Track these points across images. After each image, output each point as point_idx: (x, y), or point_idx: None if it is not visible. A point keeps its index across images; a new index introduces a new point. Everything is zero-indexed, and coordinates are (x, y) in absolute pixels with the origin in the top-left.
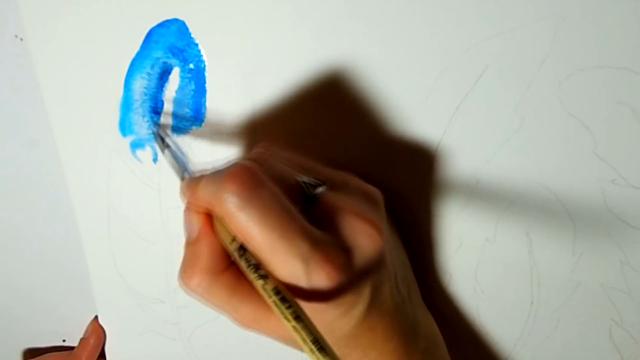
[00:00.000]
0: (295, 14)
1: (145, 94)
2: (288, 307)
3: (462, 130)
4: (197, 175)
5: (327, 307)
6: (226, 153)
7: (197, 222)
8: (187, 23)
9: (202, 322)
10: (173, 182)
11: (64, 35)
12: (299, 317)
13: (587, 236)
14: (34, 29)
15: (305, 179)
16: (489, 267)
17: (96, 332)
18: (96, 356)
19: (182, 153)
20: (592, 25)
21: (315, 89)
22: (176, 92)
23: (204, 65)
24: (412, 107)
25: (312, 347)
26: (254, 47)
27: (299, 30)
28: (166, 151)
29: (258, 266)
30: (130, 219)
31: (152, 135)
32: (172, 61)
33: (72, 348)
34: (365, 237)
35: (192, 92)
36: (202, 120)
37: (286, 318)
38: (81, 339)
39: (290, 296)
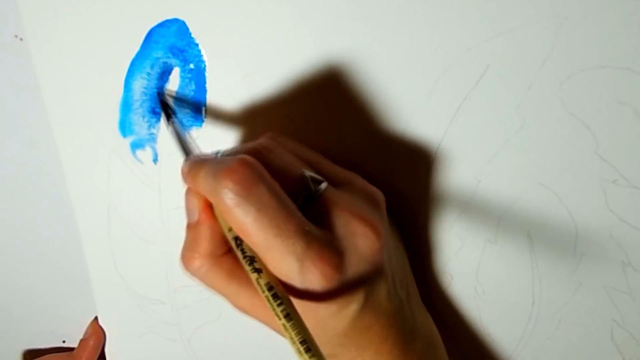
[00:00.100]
0: (296, 13)
1: (146, 94)
2: (279, 304)
3: (463, 131)
4: (199, 158)
5: (320, 305)
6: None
7: (198, 205)
8: (187, 23)
9: (202, 323)
10: (173, 183)
11: (64, 35)
12: (289, 316)
13: (588, 237)
14: (34, 29)
15: (308, 173)
16: (490, 267)
17: (96, 333)
18: (96, 357)
19: (185, 132)
20: (593, 25)
21: (316, 89)
22: (176, 92)
23: (205, 66)
24: (413, 107)
25: (300, 347)
26: (255, 47)
27: (299, 30)
28: (171, 121)
29: (253, 259)
30: (131, 220)
31: (152, 135)
32: (173, 61)
33: (72, 349)
34: (362, 238)
35: (192, 93)
36: (203, 121)
37: (277, 315)
38: (81, 340)
39: (283, 293)
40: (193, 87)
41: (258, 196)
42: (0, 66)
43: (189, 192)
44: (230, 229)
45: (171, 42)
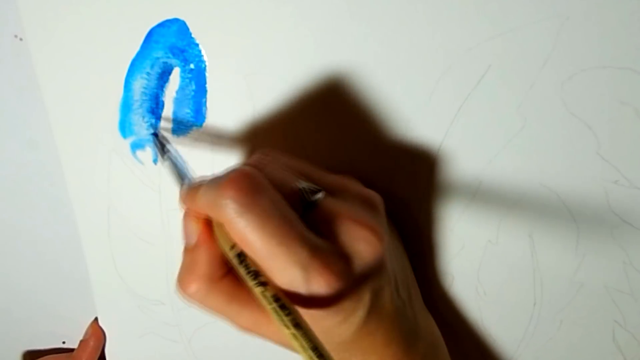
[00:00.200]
0: (296, 14)
1: (146, 94)
2: (287, 315)
3: (465, 131)
4: (197, 181)
5: (327, 313)
6: (227, 154)
7: (196, 228)
8: (187, 23)
9: (202, 323)
10: (173, 183)
11: (64, 35)
12: (299, 325)
13: (590, 237)
14: (34, 29)
15: (304, 184)
16: (492, 268)
17: (96, 334)
18: (96, 358)
19: (181, 159)
20: (595, 25)
21: (317, 90)
22: (177, 92)
23: (205, 66)
24: (414, 107)
25: (312, 354)
26: (255, 47)
27: (300, 31)
28: (166, 157)
29: (257, 273)
30: (131, 220)
31: (152, 137)
32: (173, 61)
33: (72, 350)
34: (364, 243)
35: (192, 93)
36: (203, 121)
37: (285, 325)
38: (81, 341)
39: (289, 303)
40: (193, 87)
41: (260, 205)
42: (0, 66)
43: (186, 215)
44: (231, 247)
45: (171, 42)
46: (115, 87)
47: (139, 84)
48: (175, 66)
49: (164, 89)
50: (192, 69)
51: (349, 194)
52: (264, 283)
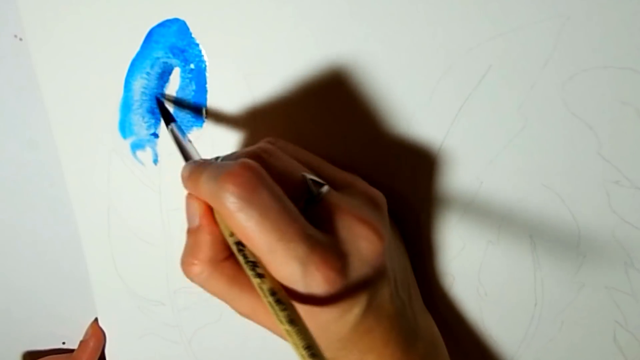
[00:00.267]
0: (296, 13)
1: (146, 94)
2: (283, 310)
3: (465, 131)
4: (200, 163)
5: (323, 309)
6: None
7: (199, 210)
8: (187, 23)
9: (202, 324)
10: (174, 184)
11: (64, 35)
12: (293, 321)
13: (591, 238)
14: (34, 28)
15: (309, 176)
16: (492, 269)
17: (96, 335)
18: (96, 359)
19: (185, 135)
20: (596, 25)
21: (317, 90)
22: (177, 92)
23: (205, 66)
24: (414, 107)
25: (304, 352)
26: (256, 47)
27: (300, 30)
28: (170, 127)
29: (255, 264)
30: (131, 221)
31: (152, 136)
32: (173, 61)
33: (71, 351)
34: (365, 241)
35: (192, 93)
36: (203, 121)
37: (280, 320)
38: (81, 342)
39: (286, 298)
40: (193, 87)
41: (260, 200)
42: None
43: (189, 197)
44: (231, 234)
45: (171, 42)
46: (115, 87)
47: (139, 84)
48: (175, 66)
49: (164, 89)
50: (192, 69)
51: (354, 190)
52: (262, 275)
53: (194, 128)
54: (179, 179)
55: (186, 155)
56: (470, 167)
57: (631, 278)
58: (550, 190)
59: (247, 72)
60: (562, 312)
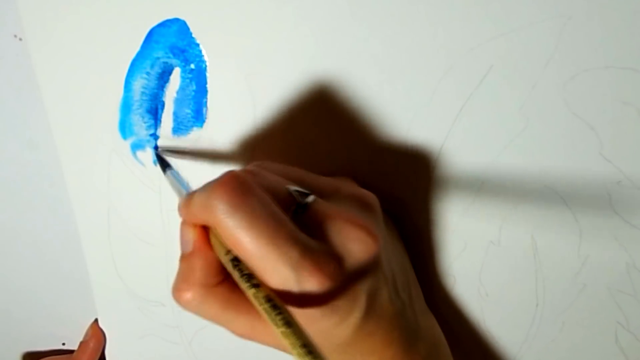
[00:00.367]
0: (297, 14)
1: (146, 95)
2: (278, 314)
3: (466, 131)
4: (192, 191)
5: (323, 315)
6: (227, 154)
7: (192, 236)
8: (188, 23)
9: (203, 325)
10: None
11: (64, 35)
12: (289, 323)
13: (592, 238)
14: (33, 28)
15: (294, 188)
16: (494, 269)
17: (96, 335)
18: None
19: (180, 175)
20: (597, 25)
21: (317, 90)
22: (177, 92)
23: (205, 66)
24: (415, 107)
25: (301, 351)
26: (256, 47)
27: (301, 31)
28: (167, 172)
29: (251, 276)
30: (131, 221)
31: (152, 136)
32: (173, 61)
33: (71, 351)
34: (357, 243)
35: (193, 93)
36: (203, 121)
37: (276, 324)
38: (81, 342)
39: (280, 303)
40: (194, 87)
41: (249, 206)
42: None
43: (183, 224)
44: (227, 252)
45: (172, 42)
46: (115, 87)
47: (139, 84)
48: (175, 66)
49: (165, 89)
50: (192, 69)
51: (341, 194)
52: (257, 285)
53: (194, 128)
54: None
55: (182, 192)
56: (471, 167)
57: (633, 279)
58: (552, 191)
59: (247, 72)
60: (563, 313)
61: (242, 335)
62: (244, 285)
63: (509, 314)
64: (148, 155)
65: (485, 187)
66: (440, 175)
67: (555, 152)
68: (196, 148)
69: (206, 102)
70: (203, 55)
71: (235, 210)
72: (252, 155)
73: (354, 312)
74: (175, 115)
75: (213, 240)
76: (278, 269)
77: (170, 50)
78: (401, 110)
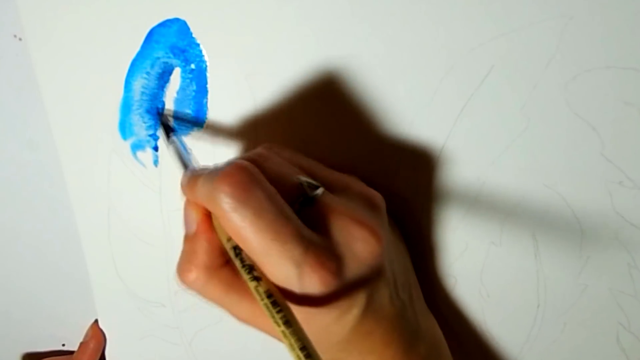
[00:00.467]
0: (298, 13)
1: (146, 95)
2: (279, 312)
3: (467, 132)
4: (198, 170)
5: (321, 311)
6: (228, 154)
7: (196, 217)
8: (188, 23)
9: (203, 326)
10: (174, 184)
11: (64, 34)
12: (289, 322)
13: (594, 239)
14: (33, 28)
15: (303, 179)
16: (495, 270)
17: (96, 336)
18: None
19: (186, 146)
20: (599, 25)
21: (318, 90)
22: (177, 92)
23: (206, 66)
24: (416, 107)
25: (300, 354)
26: (257, 47)
27: (301, 30)
28: (171, 140)
29: (252, 267)
30: (131, 221)
31: (152, 136)
32: (173, 61)
33: (71, 352)
34: (361, 243)
35: (193, 93)
36: (204, 122)
37: (276, 322)
38: (81, 343)
39: (282, 300)
40: (194, 87)
41: (255, 200)
42: None
43: (187, 203)
44: (229, 239)
45: (172, 42)
46: (115, 87)
47: (140, 84)
48: (176, 66)
49: (165, 89)
50: (193, 69)
51: (350, 192)
52: (258, 278)
53: (195, 128)
54: (180, 180)
55: (186, 165)
56: (472, 168)
57: (635, 279)
58: (553, 191)
59: (248, 72)
60: (565, 314)
61: (242, 320)
62: (245, 276)
63: (510, 314)
64: (148, 155)
65: (486, 187)
66: (441, 176)
67: (556, 153)
68: (196, 148)
69: (207, 102)
70: (203, 55)
71: (240, 205)
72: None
73: (352, 309)
74: (176, 115)
75: (216, 224)
76: (281, 264)
77: (171, 50)
78: (402, 110)
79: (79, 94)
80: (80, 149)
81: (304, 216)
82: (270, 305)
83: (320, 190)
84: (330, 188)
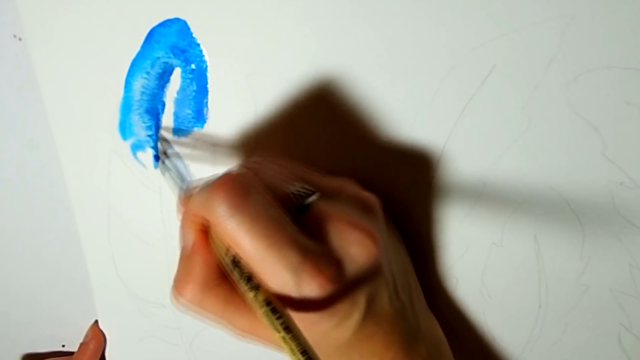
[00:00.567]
0: (298, 13)
1: (146, 95)
2: (278, 318)
3: (469, 132)
4: (193, 185)
5: (322, 317)
6: (228, 154)
7: (192, 235)
8: (188, 23)
9: (204, 327)
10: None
11: (63, 34)
12: (289, 328)
13: (595, 239)
14: (33, 28)
15: (297, 187)
16: (496, 271)
17: (96, 337)
18: None
19: (183, 164)
20: (600, 25)
21: (319, 90)
22: (177, 92)
23: (206, 66)
24: (417, 108)
25: (301, 358)
26: (257, 47)
27: (302, 30)
28: (164, 167)
29: (250, 277)
30: (131, 222)
31: (152, 137)
32: (174, 61)
33: (71, 353)
34: (358, 246)
35: (193, 93)
36: (204, 122)
37: (276, 329)
38: (81, 344)
39: (280, 307)
40: (194, 87)
41: (250, 207)
42: None
43: (183, 222)
44: (226, 252)
45: (172, 42)
46: (115, 87)
47: (140, 84)
48: (176, 66)
49: (165, 90)
50: (193, 69)
51: (344, 196)
52: (257, 287)
53: (195, 128)
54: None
55: (181, 187)
56: (473, 168)
57: (636, 280)
58: (555, 192)
59: (248, 72)
60: (566, 315)
61: (241, 334)
62: (243, 287)
63: (512, 315)
64: (148, 155)
65: (488, 188)
66: (443, 176)
67: (558, 153)
68: (196, 149)
69: (207, 102)
70: (204, 55)
71: (236, 212)
72: (249, 158)
73: (353, 314)
74: (176, 115)
75: (212, 239)
76: (278, 272)
77: (171, 50)
78: (403, 110)
79: (79, 94)
80: (80, 149)
81: (300, 223)
82: (269, 312)
83: (314, 197)
84: (324, 193)
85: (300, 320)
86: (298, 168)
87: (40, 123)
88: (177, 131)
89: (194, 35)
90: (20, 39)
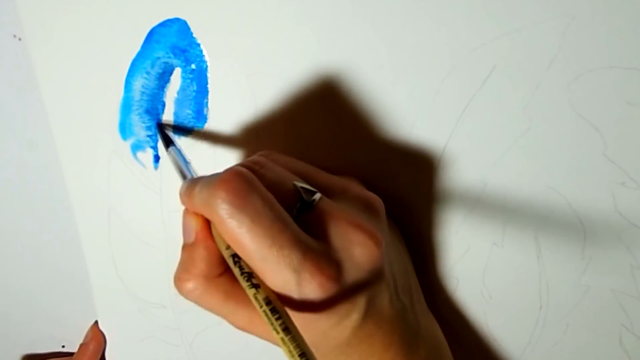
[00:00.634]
0: (299, 13)
1: (146, 95)
2: (278, 319)
3: (469, 132)
4: (196, 179)
5: (321, 316)
6: (228, 155)
7: (195, 226)
8: (189, 23)
9: (204, 327)
10: (174, 185)
11: (63, 34)
12: (288, 329)
13: (596, 240)
14: (33, 28)
15: (300, 185)
16: (497, 271)
17: (96, 338)
18: None
19: (184, 155)
20: (601, 25)
21: (319, 90)
22: (178, 93)
23: (206, 66)
24: (418, 108)
25: None
26: (257, 47)
27: (302, 30)
28: (170, 149)
29: (251, 275)
30: (131, 222)
31: (152, 137)
32: (174, 61)
33: (71, 354)
34: (360, 247)
35: (194, 93)
36: (204, 122)
37: (275, 329)
38: (81, 345)
39: (280, 307)
40: (195, 87)
41: (252, 206)
42: None
43: (186, 212)
44: (227, 247)
45: (172, 42)
46: (115, 87)
47: (140, 84)
48: (176, 66)
49: (165, 90)
50: (193, 70)
51: (348, 196)
52: (257, 285)
53: (195, 129)
54: (180, 181)
55: (185, 175)
56: (474, 169)
57: (637, 280)
58: (556, 192)
59: (248, 72)
60: (567, 315)
61: (240, 327)
62: (244, 284)
63: (513, 316)
64: (148, 156)
65: (489, 188)
66: (443, 176)
67: (559, 153)
68: (197, 149)
69: (207, 102)
70: (204, 56)
71: (237, 211)
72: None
73: (352, 314)
74: (176, 115)
75: (214, 233)
76: (279, 270)
77: (171, 50)
78: (404, 110)
79: (79, 94)
80: (80, 149)
81: (302, 222)
82: (269, 312)
83: (317, 196)
84: (328, 192)
85: (300, 318)
86: (302, 166)
87: (40, 123)
88: (177, 131)
89: (194, 35)
90: (20, 39)
